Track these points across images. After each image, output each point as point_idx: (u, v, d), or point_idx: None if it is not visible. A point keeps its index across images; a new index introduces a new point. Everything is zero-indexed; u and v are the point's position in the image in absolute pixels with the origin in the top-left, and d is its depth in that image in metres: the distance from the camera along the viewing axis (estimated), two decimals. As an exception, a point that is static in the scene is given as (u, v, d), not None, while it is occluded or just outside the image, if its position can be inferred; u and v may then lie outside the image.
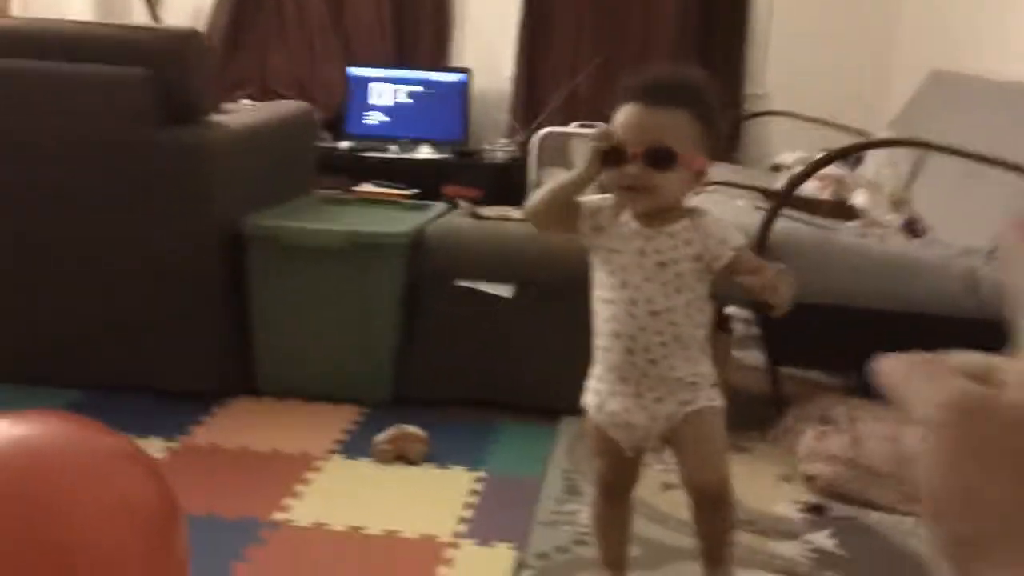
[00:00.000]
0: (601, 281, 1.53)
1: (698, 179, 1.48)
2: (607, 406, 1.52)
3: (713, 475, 1.49)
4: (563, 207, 1.52)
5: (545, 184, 1.60)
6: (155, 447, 2.16)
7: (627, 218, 1.50)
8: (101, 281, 2.41)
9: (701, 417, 1.48)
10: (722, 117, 1.52)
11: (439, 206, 2.84)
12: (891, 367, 0.61)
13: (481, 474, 2.15)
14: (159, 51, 2.36)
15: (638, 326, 1.47)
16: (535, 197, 1.56)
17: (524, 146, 4.30)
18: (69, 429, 1.25)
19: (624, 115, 1.46)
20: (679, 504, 1.87)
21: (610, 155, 1.44)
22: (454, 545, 1.83)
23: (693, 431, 1.48)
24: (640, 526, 1.78)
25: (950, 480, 0.54)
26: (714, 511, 1.52)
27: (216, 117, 2.49)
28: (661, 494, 1.99)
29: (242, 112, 2.70)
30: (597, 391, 1.54)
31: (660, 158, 1.42)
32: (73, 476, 1.17)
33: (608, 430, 1.53)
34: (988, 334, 2.49)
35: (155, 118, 2.34)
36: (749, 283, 1.46)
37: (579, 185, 1.50)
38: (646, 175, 1.43)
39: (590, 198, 1.54)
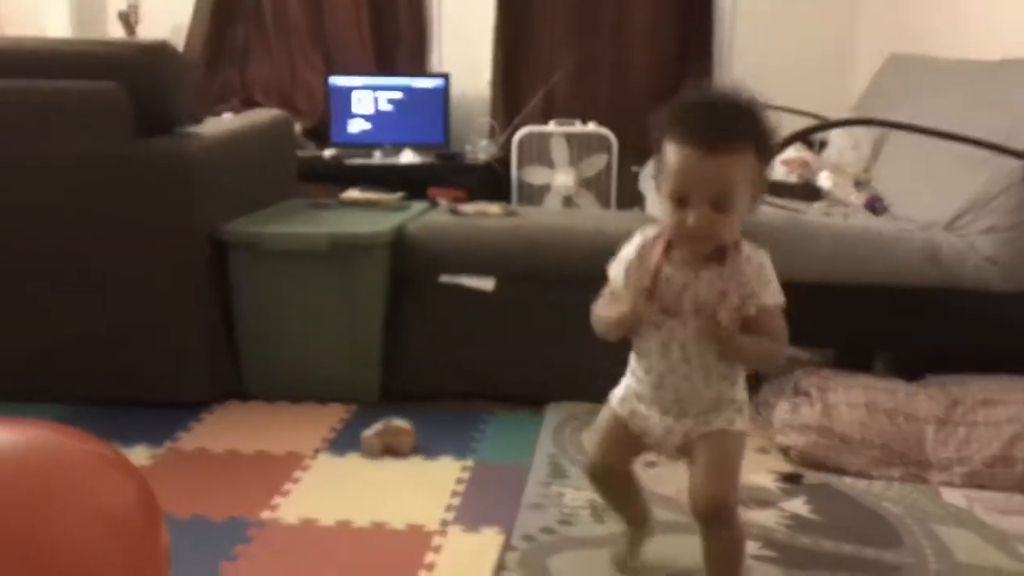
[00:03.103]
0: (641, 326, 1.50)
1: (754, 207, 1.43)
2: (630, 404, 1.55)
3: (714, 496, 1.44)
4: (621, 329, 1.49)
5: (598, 318, 1.52)
6: (141, 455, 2.18)
7: (661, 258, 1.45)
8: (84, 294, 2.43)
9: (715, 438, 1.48)
10: (772, 128, 1.40)
11: (419, 205, 2.90)
12: None
13: (468, 463, 2.19)
14: (132, 64, 2.39)
15: (668, 367, 1.47)
16: (597, 326, 1.52)
17: (505, 146, 4.37)
18: (47, 435, 1.24)
19: (681, 161, 1.36)
20: (662, 479, 1.93)
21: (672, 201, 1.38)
22: (441, 533, 1.87)
23: (705, 450, 1.48)
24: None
25: None
26: (715, 533, 1.48)
27: (193, 128, 2.54)
28: (644, 471, 2.04)
29: (219, 122, 2.75)
30: (629, 387, 1.56)
31: (724, 205, 1.36)
32: (51, 481, 1.17)
33: (629, 424, 1.56)
34: (949, 302, 2.58)
35: (131, 130, 2.37)
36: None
37: (623, 325, 1.47)
38: (711, 222, 1.36)
39: (622, 262, 1.50)
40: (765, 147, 1.38)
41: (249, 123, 2.84)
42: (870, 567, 1.73)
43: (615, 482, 1.65)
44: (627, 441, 1.57)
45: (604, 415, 1.61)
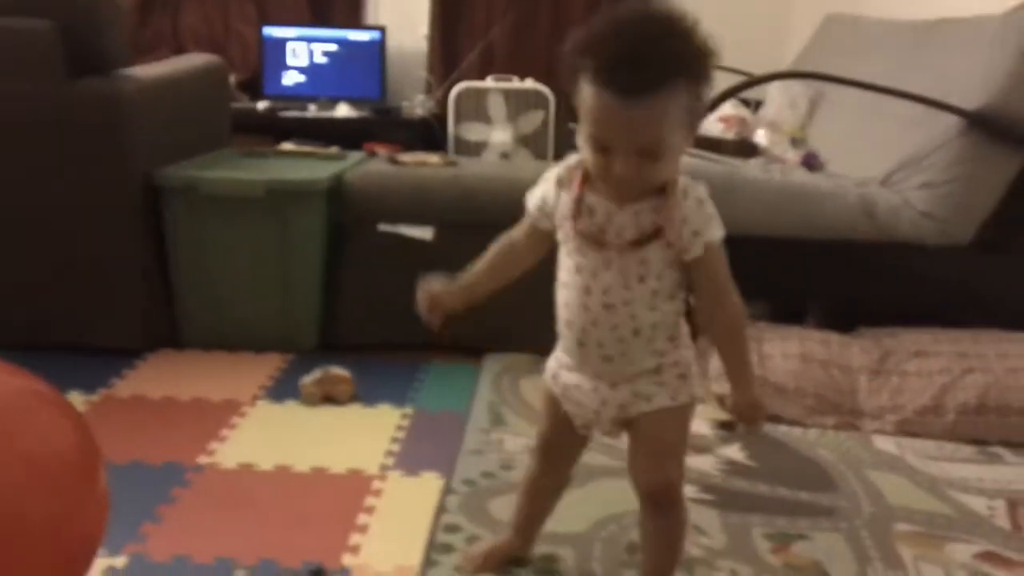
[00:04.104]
0: (559, 259, 1.34)
1: (688, 144, 1.24)
2: (562, 377, 1.39)
3: (657, 477, 1.33)
4: (510, 268, 1.41)
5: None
6: (75, 401, 2.13)
7: (582, 186, 1.28)
8: (15, 238, 2.37)
9: (657, 417, 1.32)
10: (708, 49, 1.18)
11: (357, 155, 2.85)
12: None
13: (407, 411, 2.19)
14: (65, 2, 2.30)
15: (590, 319, 1.29)
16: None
17: (442, 102, 4.32)
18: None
19: (600, 108, 1.16)
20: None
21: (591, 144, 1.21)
22: (381, 477, 1.86)
23: (645, 429, 1.33)
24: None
25: None
26: (657, 515, 1.36)
27: (127, 70, 2.46)
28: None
29: (152, 66, 2.65)
30: (557, 359, 1.41)
31: (654, 153, 1.17)
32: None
33: (561, 400, 1.41)
34: (884, 256, 2.64)
35: (65, 70, 2.29)
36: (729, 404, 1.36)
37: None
38: (638, 170, 1.18)
39: (539, 192, 1.36)
40: (697, 74, 1.17)
41: (183, 67, 2.75)
42: (805, 509, 1.77)
43: (563, 459, 1.50)
44: (566, 421, 1.42)
45: (542, 389, 1.47)
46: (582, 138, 1.22)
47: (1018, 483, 1.91)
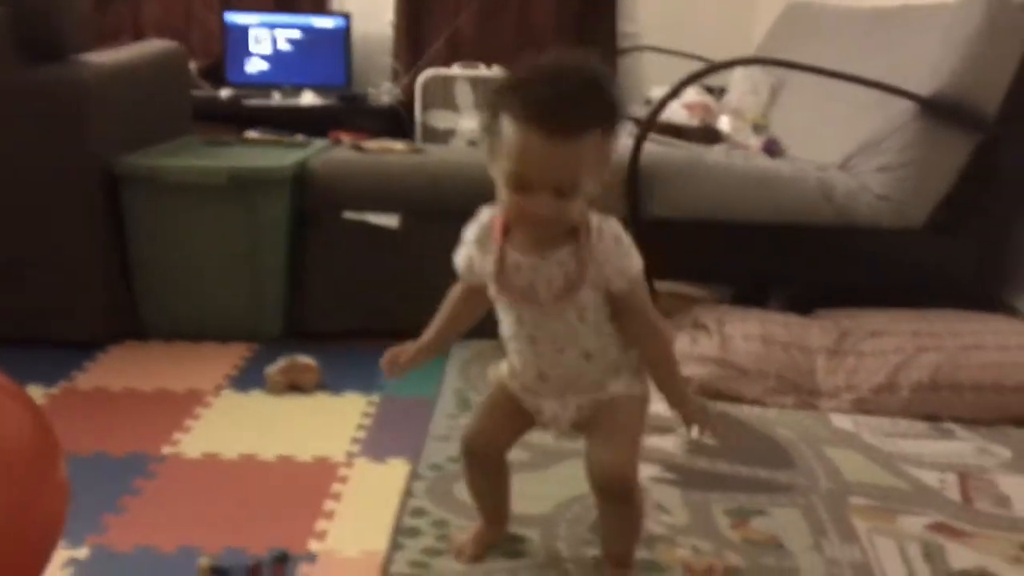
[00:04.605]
0: (499, 313, 1.39)
1: (600, 189, 1.28)
2: (522, 378, 1.43)
3: (613, 469, 1.35)
4: (460, 322, 1.46)
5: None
6: (35, 394, 2.11)
7: (503, 244, 1.32)
8: (-28, 228, 2.34)
9: (613, 406, 1.37)
10: (623, 103, 1.26)
11: (322, 142, 2.85)
12: None
13: (374, 399, 2.19)
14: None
15: (546, 363, 1.37)
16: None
17: (409, 90, 4.32)
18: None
19: (521, 144, 1.21)
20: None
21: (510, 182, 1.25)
22: (348, 464, 1.87)
23: (602, 420, 1.38)
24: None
25: None
26: (614, 506, 1.39)
27: (85, 56, 2.44)
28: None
29: (111, 51, 2.63)
30: (511, 364, 1.44)
31: (569, 192, 1.23)
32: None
33: (522, 400, 1.44)
34: (843, 238, 2.69)
35: (19, 56, 2.27)
36: (670, 404, 1.40)
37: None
38: (552, 209, 1.23)
39: (463, 256, 1.39)
40: (612, 126, 1.25)
41: (141, 53, 2.73)
42: (764, 486, 1.80)
43: (491, 460, 1.51)
44: (517, 417, 1.45)
45: (493, 384, 1.49)
46: (500, 177, 1.26)
47: (969, 457, 1.96)
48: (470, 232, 1.38)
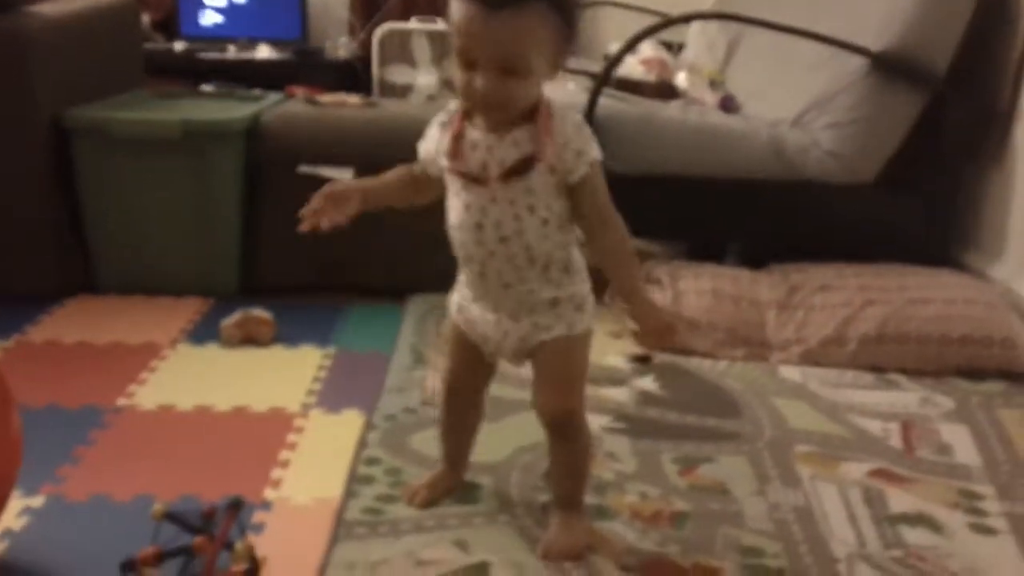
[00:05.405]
0: (448, 202, 1.38)
1: (554, 73, 1.28)
2: (467, 311, 1.44)
3: (559, 405, 1.39)
4: (409, 192, 1.44)
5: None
6: (-13, 347, 2.11)
7: (461, 122, 1.33)
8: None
9: (556, 345, 1.37)
10: None
11: (275, 96, 2.82)
12: None
13: (330, 351, 2.20)
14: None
15: (487, 252, 1.34)
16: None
17: (365, 44, 4.27)
18: None
19: (463, 19, 1.21)
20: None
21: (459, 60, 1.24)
22: (303, 415, 1.88)
23: (546, 359, 1.39)
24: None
25: None
26: (562, 442, 1.43)
27: (31, 7, 2.39)
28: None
29: (60, 3, 2.58)
30: (460, 293, 1.46)
31: (515, 69, 1.22)
32: None
33: (468, 333, 1.45)
34: (794, 194, 2.71)
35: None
36: (632, 319, 1.37)
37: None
38: (499, 87, 1.22)
39: (426, 139, 1.40)
40: (565, 5, 1.23)
41: (90, 4, 2.67)
42: (711, 434, 1.84)
43: (469, 399, 1.55)
44: (473, 351, 1.47)
45: (448, 324, 1.52)
46: (453, 57, 1.26)
47: (912, 407, 2.01)
48: (437, 118, 1.39)
